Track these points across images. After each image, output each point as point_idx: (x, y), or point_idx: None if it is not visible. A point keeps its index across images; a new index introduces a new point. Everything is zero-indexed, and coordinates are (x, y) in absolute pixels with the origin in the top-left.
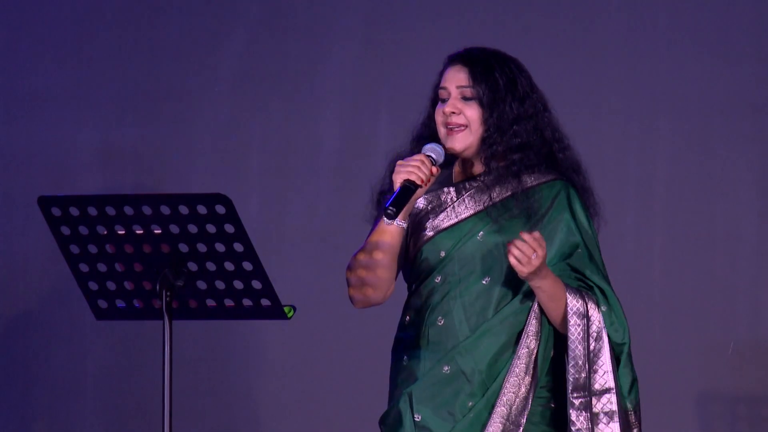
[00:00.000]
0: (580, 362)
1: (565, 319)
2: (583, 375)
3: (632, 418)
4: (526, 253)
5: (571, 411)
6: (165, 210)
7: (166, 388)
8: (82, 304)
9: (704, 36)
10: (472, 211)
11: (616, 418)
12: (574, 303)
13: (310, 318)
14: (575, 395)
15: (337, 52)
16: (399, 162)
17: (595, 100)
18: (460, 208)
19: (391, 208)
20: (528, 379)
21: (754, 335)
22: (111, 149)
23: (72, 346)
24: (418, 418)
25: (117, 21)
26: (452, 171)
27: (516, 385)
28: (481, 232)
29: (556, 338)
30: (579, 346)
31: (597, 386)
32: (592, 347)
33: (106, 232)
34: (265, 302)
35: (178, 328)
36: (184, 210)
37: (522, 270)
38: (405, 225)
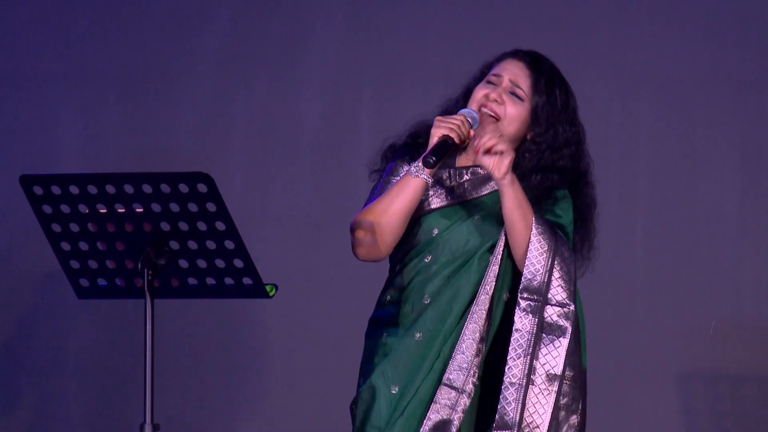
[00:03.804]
0: (535, 270)
1: (528, 233)
2: (538, 279)
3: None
4: (492, 145)
5: (516, 311)
6: (147, 188)
7: (148, 367)
8: (63, 282)
9: (686, 13)
10: (470, 196)
11: (568, 336)
12: (540, 221)
13: (292, 296)
14: (525, 295)
15: (320, 30)
16: (438, 118)
17: (577, 79)
18: (459, 191)
19: (432, 157)
20: (486, 323)
21: (736, 314)
22: (93, 128)
23: (54, 324)
24: (395, 390)
25: (99, 1)
26: (458, 155)
27: (475, 331)
28: (477, 216)
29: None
30: (538, 255)
31: (551, 296)
32: (556, 263)
33: (87, 211)
34: (246, 281)
35: (160, 307)
36: (165, 188)
37: (500, 169)
38: (431, 181)
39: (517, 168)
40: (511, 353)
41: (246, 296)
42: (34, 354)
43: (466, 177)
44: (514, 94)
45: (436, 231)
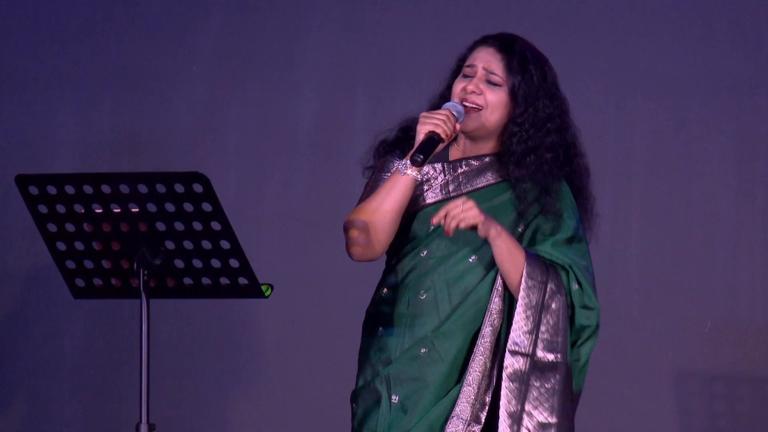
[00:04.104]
0: (524, 327)
1: (519, 282)
2: (525, 342)
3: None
4: (451, 213)
5: (504, 373)
6: (142, 188)
7: (144, 367)
8: (59, 282)
9: (681, 14)
10: (464, 190)
11: (556, 393)
12: (532, 268)
13: (287, 296)
14: (512, 348)
15: (314, 30)
16: (424, 114)
17: (573, 79)
18: (452, 186)
19: (418, 155)
20: (492, 357)
21: (731, 313)
22: (88, 129)
23: (49, 324)
24: (395, 399)
25: (93, 0)
26: (449, 148)
27: (482, 364)
28: None
29: None
30: (528, 312)
31: (541, 354)
32: (542, 317)
33: (83, 211)
34: (242, 281)
35: (156, 307)
36: (161, 188)
37: (481, 230)
38: (419, 177)
39: (507, 153)
40: (502, 408)
41: (242, 296)
42: (29, 354)
43: (460, 170)
44: (490, 81)
45: (430, 228)
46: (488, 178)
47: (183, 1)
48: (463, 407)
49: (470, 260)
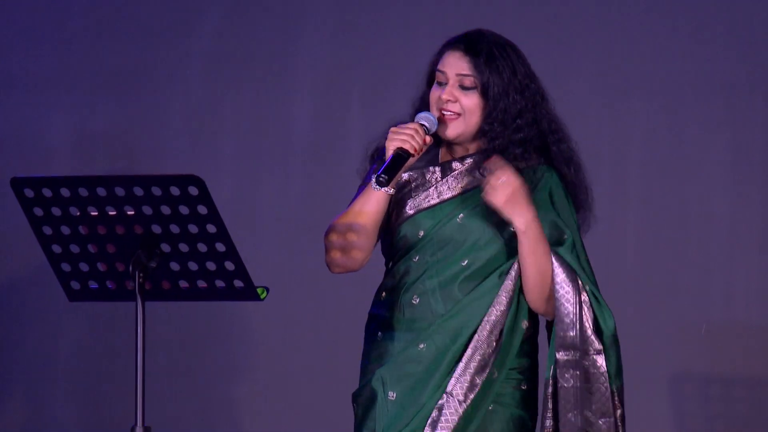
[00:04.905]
0: (566, 325)
1: (551, 278)
2: (571, 333)
3: (616, 399)
4: (494, 183)
5: (557, 370)
6: (138, 191)
7: (139, 370)
8: (54, 285)
9: (676, 16)
10: (455, 192)
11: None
12: (559, 264)
13: (283, 299)
14: (561, 352)
15: (310, 33)
16: (392, 129)
17: (568, 81)
18: (443, 189)
19: (382, 175)
20: (489, 352)
21: (727, 316)
22: (83, 131)
23: (45, 327)
24: (392, 396)
25: (89, 2)
26: (439, 150)
27: (477, 360)
28: (462, 215)
29: (531, 318)
30: (566, 305)
31: (588, 346)
32: (583, 309)
33: (78, 214)
34: (238, 283)
35: (151, 310)
36: (157, 191)
37: (497, 198)
38: (392, 192)
39: (483, 151)
40: (561, 410)
41: (237, 299)
42: (24, 357)
43: (449, 172)
44: (462, 85)
45: (422, 233)
46: (477, 179)
47: (178, 4)
48: (459, 389)
49: (462, 264)
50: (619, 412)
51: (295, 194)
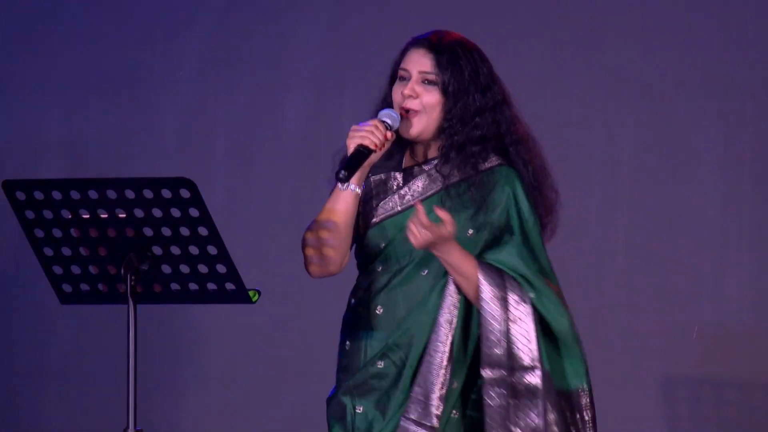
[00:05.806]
0: (492, 342)
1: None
2: (497, 352)
3: (585, 399)
4: (417, 229)
5: (484, 388)
6: (129, 194)
7: (131, 372)
8: (46, 288)
9: (668, 17)
10: (421, 197)
11: (540, 395)
12: (486, 283)
13: (275, 302)
14: (487, 370)
15: (302, 35)
16: (353, 127)
17: (559, 82)
18: (406, 197)
19: (342, 172)
20: (445, 364)
21: (719, 318)
22: (75, 133)
23: (36, 330)
24: (359, 409)
25: (80, 5)
26: (403, 156)
27: (433, 373)
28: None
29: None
30: (492, 322)
31: (515, 363)
32: (510, 326)
33: (70, 216)
34: (229, 286)
35: (143, 312)
36: (148, 194)
37: (413, 241)
38: (359, 190)
39: (442, 148)
40: (487, 428)
41: (229, 301)
42: (16, 359)
43: (411, 179)
44: (425, 81)
45: (383, 243)
46: (438, 184)
47: (171, 6)
48: (414, 410)
49: (422, 273)
50: (588, 413)
51: (287, 197)
